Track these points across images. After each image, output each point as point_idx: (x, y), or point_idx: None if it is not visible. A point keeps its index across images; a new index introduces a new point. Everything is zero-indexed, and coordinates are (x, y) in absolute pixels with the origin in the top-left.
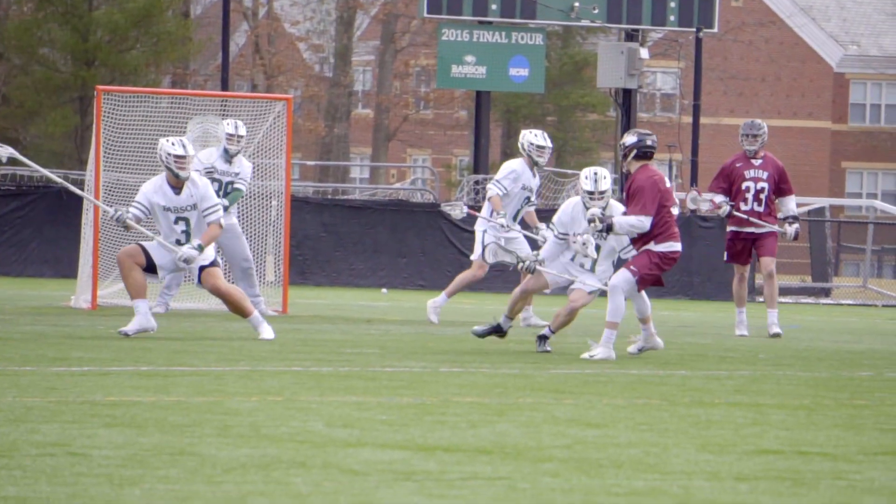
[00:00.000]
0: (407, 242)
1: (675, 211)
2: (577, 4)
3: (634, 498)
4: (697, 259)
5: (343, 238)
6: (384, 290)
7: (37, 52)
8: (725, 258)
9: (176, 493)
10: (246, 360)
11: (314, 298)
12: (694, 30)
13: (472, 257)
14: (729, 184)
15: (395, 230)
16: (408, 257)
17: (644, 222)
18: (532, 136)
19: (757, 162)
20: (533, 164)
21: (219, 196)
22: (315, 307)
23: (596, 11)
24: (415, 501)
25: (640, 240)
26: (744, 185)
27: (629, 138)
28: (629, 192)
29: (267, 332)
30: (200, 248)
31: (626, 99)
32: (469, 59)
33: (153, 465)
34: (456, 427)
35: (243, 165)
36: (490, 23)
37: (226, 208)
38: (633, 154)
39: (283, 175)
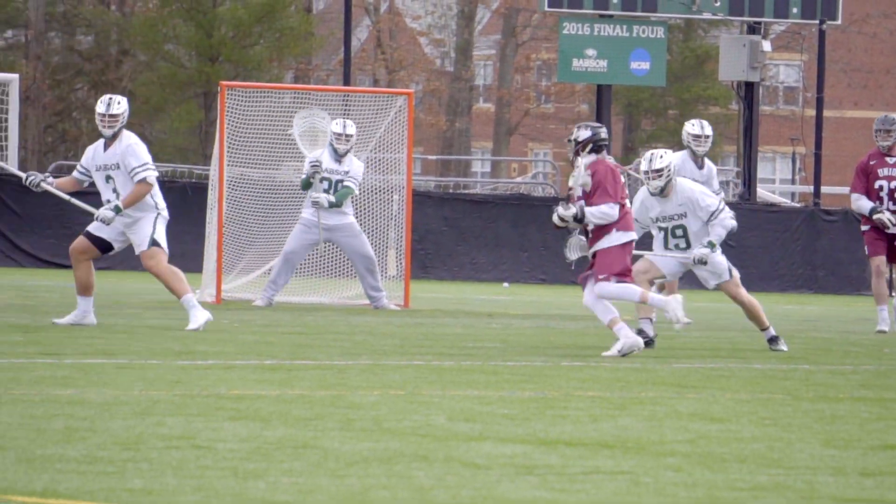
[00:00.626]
0: (528, 236)
1: (628, 203)
2: None
3: (758, 493)
4: (822, 253)
5: (464, 232)
6: (506, 284)
7: (162, 48)
8: (867, 252)
9: (299, 487)
10: (368, 354)
11: (436, 293)
12: (817, 22)
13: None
14: (867, 181)
15: (516, 224)
16: (529, 251)
17: (614, 209)
18: (689, 126)
19: (891, 160)
20: (695, 156)
21: (327, 193)
22: (437, 301)
23: (718, 4)
24: (537, 495)
25: (601, 232)
26: (877, 184)
27: (583, 132)
28: (593, 181)
29: (195, 320)
30: (118, 209)
31: (749, 92)
32: (590, 52)
33: (277, 459)
34: (578, 421)
35: (353, 164)
36: (611, 16)
37: (333, 205)
38: (588, 148)
39: (404, 170)
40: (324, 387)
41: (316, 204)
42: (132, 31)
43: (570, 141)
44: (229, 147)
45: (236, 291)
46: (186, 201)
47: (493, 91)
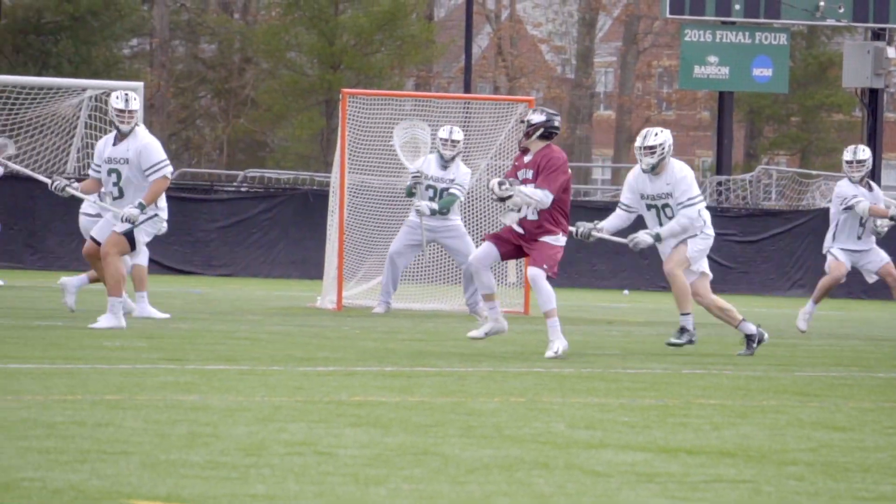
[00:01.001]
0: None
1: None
2: (822, 4)
3: (882, 503)
4: None
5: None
6: (626, 292)
7: (284, 56)
8: None
9: (420, 493)
10: (488, 360)
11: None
12: None
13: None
14: None
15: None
16: (650, 259)
17: (548, 198)
18: (844, 153)
19: None
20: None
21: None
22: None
23: (842, 11)
24: (658, 503)
25: (553, 226)
26: None
27: (537, 116)
28: (542, 165)
29: (105, 320)
30: (142, 207)
31: (873, 99)
32: (712, 59)
33: (398, 465)
34: (699, 429)
35: (460, 171)
36: (733, 23)
37: (437, 212)
38: (538, 133)
39: None
40: (444, 393)
41: (418, 212)
42: (255, 39)
43: (522, 122)
44: (350, 154)
45: (357, 298)
46: (308, 208)
47: (614, 98)
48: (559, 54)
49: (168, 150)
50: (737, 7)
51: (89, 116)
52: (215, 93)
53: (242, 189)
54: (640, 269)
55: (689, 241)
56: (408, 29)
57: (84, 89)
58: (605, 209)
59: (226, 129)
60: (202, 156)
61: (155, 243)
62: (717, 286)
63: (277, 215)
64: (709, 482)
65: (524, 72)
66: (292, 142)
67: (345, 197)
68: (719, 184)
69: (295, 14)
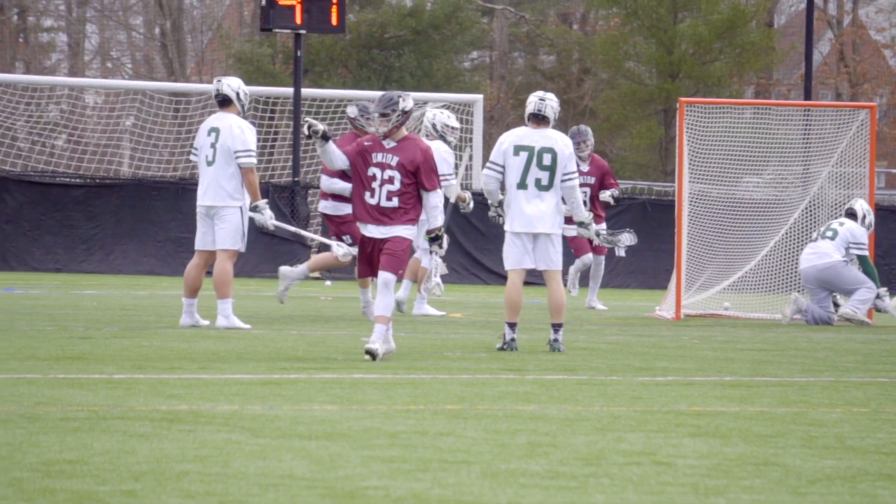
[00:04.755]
0: None
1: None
2: None
3: None
4: None
5: None
6: None
7: (623, 66)
8: None
9: None
10: (830, 370)
11: None
12: None
13: None
14: None
15: None
16: None
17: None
18: None
19: None
20: None
21: None
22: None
23: None
24: None
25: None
26: None
27: (409, 103)
28: (425, 160)
29: (226, 323)
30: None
31: None
32: None
33: (737, 475)
34: None
35: None
36: None
37: None
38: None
39: (866, 184)
40: (784, 403)
41: None
42: (594, 49)
43: (393, 111)
44: (689, 163)
45: (696, 308)
46: (646, 218)
47: None
48: None
49: None
50: None
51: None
52: None
53: None
54: None
55: None
56: (747, 36)
57: (425, 102)
58: None
59: None
60: None
61: (484, 252)
62: None
63: (616, 224)
64: None
65: (867, 78)
66: (630, 151)
67: (684, 207)
68: None
69: (633, 24)
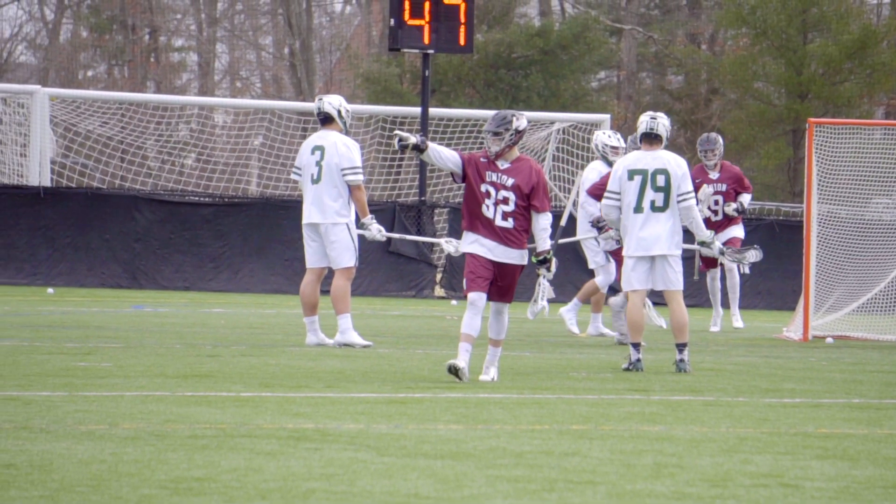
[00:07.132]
0: None
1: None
2: None
3: None
4: None
5: None
6: None
7: (751, 86)
8: None
9: None
10: None
11: None
12: None
13: None
14: None
15: None
16: None
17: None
18: None
19: None
20: None
21: None
22: None
23: None
24: None
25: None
26: None
27: (524, 122)
28: (539, 182)
29: (346, 339)
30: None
31: None
32: None
33: (866, 499)
34: None
35: None
36: None
37: None
38: (521, 139)
39: None
40: None
41: None
42: (722, 69)
43: (507, 130)
44: (818, 184)
45: (824, 329)
46: (774, 238)
47: None
48: None
49: None
50: None
51: (557, 149)
52: (682, 124)
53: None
54: None
55: None
56: (878, 56)
57: (552, 122)
58: None
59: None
60: None
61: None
62: None
63: (744, 244)
64: None
65: None
66: (758, 172)
67: (812, 227)
68: None
69: (763, 44)
